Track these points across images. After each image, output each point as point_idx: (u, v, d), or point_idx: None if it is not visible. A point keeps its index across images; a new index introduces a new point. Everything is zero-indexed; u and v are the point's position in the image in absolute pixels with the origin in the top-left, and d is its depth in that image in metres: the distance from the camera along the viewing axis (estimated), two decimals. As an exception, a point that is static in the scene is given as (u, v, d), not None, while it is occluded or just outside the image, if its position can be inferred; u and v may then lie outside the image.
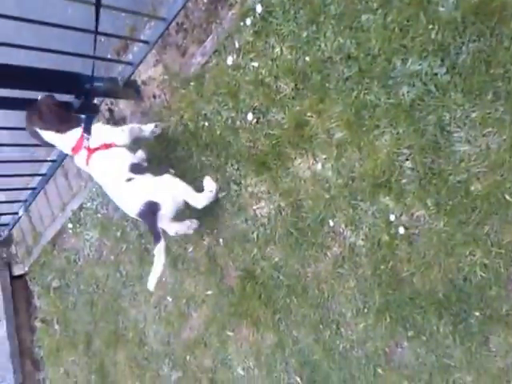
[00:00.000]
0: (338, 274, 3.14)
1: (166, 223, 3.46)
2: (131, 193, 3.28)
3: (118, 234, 4.34)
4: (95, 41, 3.09)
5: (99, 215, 4.48)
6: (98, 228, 4.55)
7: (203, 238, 3.76)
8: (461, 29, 2.53)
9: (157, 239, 3.22)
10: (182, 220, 3.66)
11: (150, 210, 3.22)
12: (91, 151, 3.31)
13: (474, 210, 2.61)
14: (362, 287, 3.06)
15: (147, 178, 3.33)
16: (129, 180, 3.27)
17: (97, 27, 2.99)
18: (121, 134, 3.45)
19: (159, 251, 3.21)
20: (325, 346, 3.27)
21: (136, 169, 3.34)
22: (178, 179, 3.35)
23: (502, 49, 2.45)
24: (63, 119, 3.37)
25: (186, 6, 3.49)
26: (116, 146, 3.37)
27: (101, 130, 3.42)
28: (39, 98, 3.39)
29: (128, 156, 3.41)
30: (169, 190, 3.29)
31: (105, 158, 3.34)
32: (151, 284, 3.26)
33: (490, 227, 2.59)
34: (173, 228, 3.65)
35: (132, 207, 3.28)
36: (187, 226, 3.71)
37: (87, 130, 3.32)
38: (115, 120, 4.09)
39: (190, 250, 3.86)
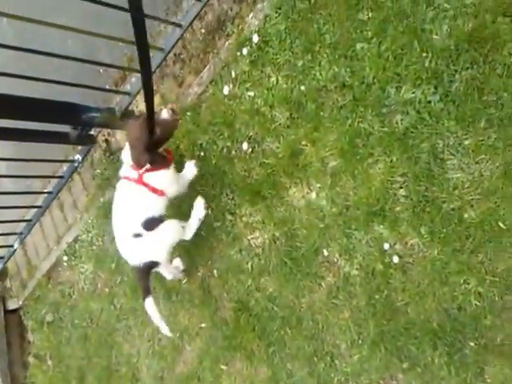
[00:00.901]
0: (333, 304, 3.10)
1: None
2: (135, 249, 3.24)
3: (113, 265, 4.30)
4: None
5: (94, 247, 4.46)
6: (92, 260, 4.51)
7: (197, 270, 3.73)
8: (454, 56, 2.56)
9: (146, 294, 3.26)
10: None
11: (148, 268, 3.27)
12: (138, 181, 3.14)
13: (468, 238, 2.60)
14: (357, 318, 3.02)
15: (154, 234, 3.20)
16: (137, 236, 3.18)
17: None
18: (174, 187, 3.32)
19: (150, 306, 3.27)
20: (319, 380, 3.21)
21: (149, 225, 3.17)
22: (175, 224, 3.30)
23: (494, 76, 2.48)
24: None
25: (183, 36, 3.53)
26: (164, 195, 3.23)
27: (163, 177, 3.23)
28: (130, 121, 3.15)
29: (153, 208, 3.21)
30: (171, 238, 3.29)
31: (134, 193, 3.20)
32: (166, 330, 3.34)
33: (484, 255, 2.58)
34: (168, 271, 3.71)
35: (132, 260, 3.29)
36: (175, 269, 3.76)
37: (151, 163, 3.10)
38: (111, 151, 4.09)
39: (184, 281, 3.83)
